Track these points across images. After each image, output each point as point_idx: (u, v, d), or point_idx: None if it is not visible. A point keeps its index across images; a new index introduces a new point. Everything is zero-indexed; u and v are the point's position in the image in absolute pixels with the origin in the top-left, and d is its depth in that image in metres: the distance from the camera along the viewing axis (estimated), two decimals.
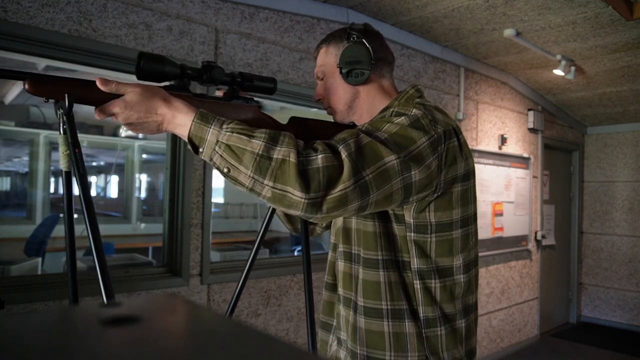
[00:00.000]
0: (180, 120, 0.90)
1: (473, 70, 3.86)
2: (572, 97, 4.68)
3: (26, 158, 5.61)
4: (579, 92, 4.50)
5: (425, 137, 0.98)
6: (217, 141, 0.88)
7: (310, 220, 0.96)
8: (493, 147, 4.13)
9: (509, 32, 3.13)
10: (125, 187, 6.08)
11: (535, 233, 4.68)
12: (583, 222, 5.58)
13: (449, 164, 1.01)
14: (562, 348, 4.60)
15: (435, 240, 1.05)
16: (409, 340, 1.05)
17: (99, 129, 5.61)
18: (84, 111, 4.46)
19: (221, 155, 0.88)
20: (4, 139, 5.32)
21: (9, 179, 7.07)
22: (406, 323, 1.05)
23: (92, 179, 8.34)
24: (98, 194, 7.87)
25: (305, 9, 2.70)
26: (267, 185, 0.87)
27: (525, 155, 4.51)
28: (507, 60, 3.81)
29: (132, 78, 0.98)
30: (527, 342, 4.56)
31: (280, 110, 3.54)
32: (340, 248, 1.17)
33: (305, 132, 1.10)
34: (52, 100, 0.87)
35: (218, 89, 1.13)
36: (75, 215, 0.97)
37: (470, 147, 1.23)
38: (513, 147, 4.37)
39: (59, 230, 4.41)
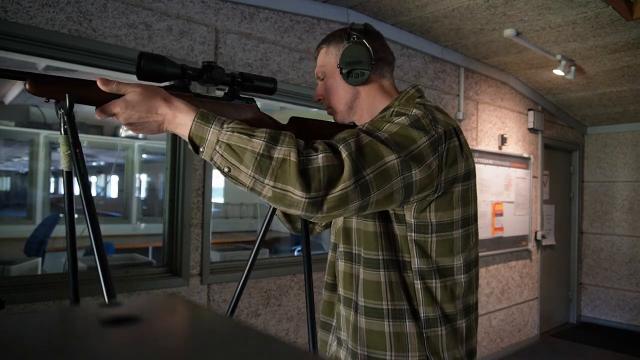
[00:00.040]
0: (181, 120, 0.90)
1: (473, 70, 3.86)
2: (572, 97, 4.68)
3: (26, 158, 5.61)
4: (579, 92, 4.50)
5: (425, 137, 0.98)
6: (218, 141, 0.88)
7: (311, 220, 0.96)
8: (493, 147, 4.13)
9: (509, 32, 3.13)
10: (125, 187, 6.08)
11: (535, 233, 4.68)
12: (583, 222, 5.58)
13: (450, 163, 1.01)
14: (562, 348, 4.60)
15: (436, 240, 1.05)
16: (410, 340, 1.05)
17: (99, 129, 5.61)
18: (84, 111, 4.46)
19: (222, 155, 0.88)
20: (4, 139, 5.32)
21: (9, 179, 7.07)
22: (407, 323, 1.05)
23: (92, 179, 8.34)
24: (98, 194, 7.87)
25: (305, 9, 2.70)
26: (268, 184, 0.87)
27: (525, 155, 4.51)
28: (507, 60, 3.81)
29: (132, 78, 0.98)
30: (527, 342, 4.56)
31: (280, 110, 3.54)
32: (341, 248, 1.17)
33: (305, 132, 1.10)
34: (53, 100, 0.87)
35: (218, 89, 1.13)
36: (76, 215, 0.97)
37: (470, 147, 1.23)
38: (513, 147, 4.38)
39: (59, 230, 4.41)
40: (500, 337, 4.21)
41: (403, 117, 1.00)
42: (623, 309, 5.24)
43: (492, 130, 4.14)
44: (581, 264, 5.55)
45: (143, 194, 6.71)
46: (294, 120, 1.14)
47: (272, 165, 0.86)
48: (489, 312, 4.08)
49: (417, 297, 1.06)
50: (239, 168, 0.87)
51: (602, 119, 5.25)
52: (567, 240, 5.46)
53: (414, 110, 1.02)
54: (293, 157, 0.86)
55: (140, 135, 5.61)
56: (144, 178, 6.96)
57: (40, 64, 2.58)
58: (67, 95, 0.85)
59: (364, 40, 1.11)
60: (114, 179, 7.33)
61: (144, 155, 6.22)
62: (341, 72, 1.12)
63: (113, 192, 7.51)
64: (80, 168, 0.86)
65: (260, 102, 1.20)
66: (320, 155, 0.88)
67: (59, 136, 0.88)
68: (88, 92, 0.88)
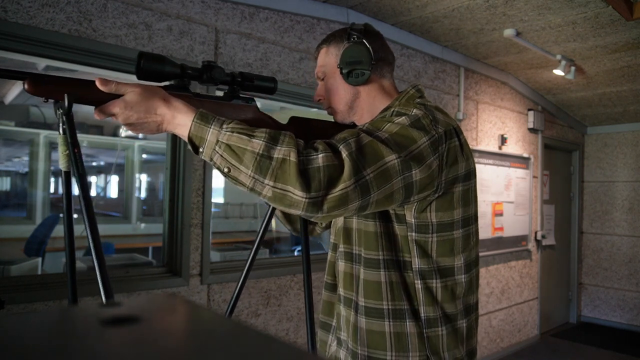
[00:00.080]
0: (180, 120, 0.90)
1: (473, 70, 3.86)
2: (572, 97, 4.68)
3: (26, 158, 5.61)
4: (579, 92, 4.50)
5: (426, 137, 0.98)
6: (217, 141, 0.88)
7: (311, 220, 0.96)
8: (493, 147, 4.13)
9: (509, 32, 3.13)
10: (125, 187, 6.08)
11: (535, 233, 4.68)
12: (583, 222, 5.58)
13: (450, 163, 1.01)
14: (562, 348, 4.60)
15: (437, 240, 1.05)
16: (410, 340, 1.05)
17: (99, 129, 5.61)
18: (84, 111, 4.47)
19: (221, 155, 0.88)
20: (4, 139, 5.32)
21: (9, 179, 7.08)
22: (407, 323, 1.05)
23: (92, 179, 8.34)
24: (98, 194, 7.87)
25: (305, 9, 2.70)
26: (268, 184, 0.87)
27: (525, 155, 4.51)
28: (507, 60, 3.81)
29: (132, 78, 0.98)
30: (527, 342, 4.56)
31: (280, 110, 3.54)
32: (341, 248, 1.17)
33: (305, 132, 1.10)
34: (52, 100, 0.87)
35: (218, 89, 1.13)
36: (75, 215, 0.97)
37: (470, 147, 1.23)
38: (513, 147, 4.38)
39: (59, 230, 4.41)
40: (500, 337, 4.21)
41: (403, 117, 1.00)
42: (623, 309, 5.24)
43: (492, 130, 4.14)
44: (581, 264, 5.55)
45: (143, 194, 6.72)
46: (294, 120, 1.14)
47: (272, 166, 0.86)
48: (489, 312, 4.08)
49: (417, 297, 1.06)
50: (238, 168, 0.87)
51: (602, 119, 5.25)
52: (567, 240, 5.46)
53: (414, 111, 1.02)
54: (293, 157, 0.86)
55: (140, 135, 5.61)
56: (144, 178, 6.96)
57: (40, 64, 2.58)
58: (65, 95, 0.85)
59: (364, 40, 1.11)
60: (114, 179, 7.33)
61: (144, 155, 6.23)
62: (341, 72, 1.12)
63: (113, 192, 7.51)
64: (78, 168, 0.86)
65: (260, 102, 1.20)
66: (320, 155, 0.88)
67: (58, 136, 0.88)
68: (87, 92, 0.88)
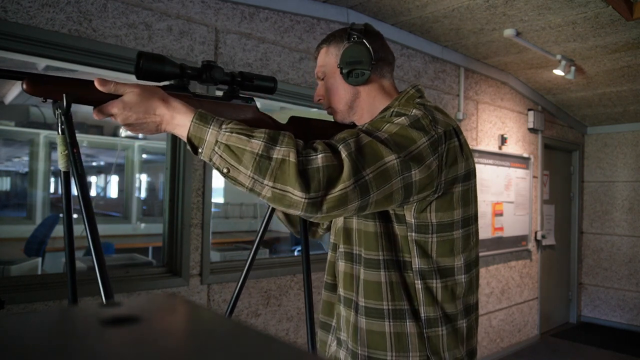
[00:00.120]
0: (179, 120, 0.90)
1: (473, 70, 3.86)
2: (572, 97, 4.68)
3: (26, 158, 5.61)
4: (579, 92, 4.50)
5: (425, 137, 0.97)
6: (217, 141, 0.88)
7: (311, 220, 0.96)
8: (493, 147, 4.13)
9: (509, 32, 3.13)
10: (125, 187, 6.08)
11: (535, 233, 4.68)
12: (583, 222, 5.58)
13: (450, 164, 1.01)
14: (562, 348, 4.60)
15: (436, 241, 1.05)
16: (410, 341, 1.05)
17: (98, 129, 5.61)
18: (84, 111, 4.47)
19: (220, 156, 0.88)
20: (4, 139, 5.32)
21: (9, 179, 7.08)
22: (407, 323, 1.05)
23: (92, 179, 8.34)
24: (98, 194, 7.87)
25: (305, 9, 2.70)
26: (267, 185, 0.86)
27: (525, 155, 4.51)
28: (507, 60, 3.81)
29: (132, 78, 0.98)
30: (527, 342, 4.56)
31: (280, 110, 3.54)
32: (341, 248, 1.17)
33: (305, 132, 1.10)
34: (51, 100, 0.87)
35: (218, 89, 1.13)
36: (75, 215, 0.97)
37: (470, 147, 1.23)
38: (513, 147, 4.38)
39: (59, 230, 4.41)
40: (500, 337, 4.21)
41: (403, 118, 1.00)
42: (623, 309, 5.24)
43: (492, 130, 4.14)
44: (581, 264, 5.55)
45: (143, 194, 6.72)
46: (293, 120, 1.14)
47: (271, 166, 0.86)
48: (489, 312, 4.08)
49: (417, 297, 1.06)
50: (238, 169, 0.87)
51: (602, 119, 5.25)
52: (567, 240, 5.46)
53: (414, 111, 1.02)
54: (292, 158, 0.86)
55: (140, 135, 5.62)
56: (144, 178, 6.96)
57: (40, 64, 2.58)
58: (64, 95, 0.85)
59: (364, 40, 1.11)
60: (114, 179, 7.33)
61: (144, 155, 6.23)
62: (341, 72, 1.12)
63: (113, 192, 7.51)
64: (77, 168, 0.86)
65: (260, 102, 1.20)
66: (319, 156, 0.88)
67: (56, 136, 0.88)
68: (86, 92, 0.88)
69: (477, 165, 3.75)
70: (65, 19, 1.91)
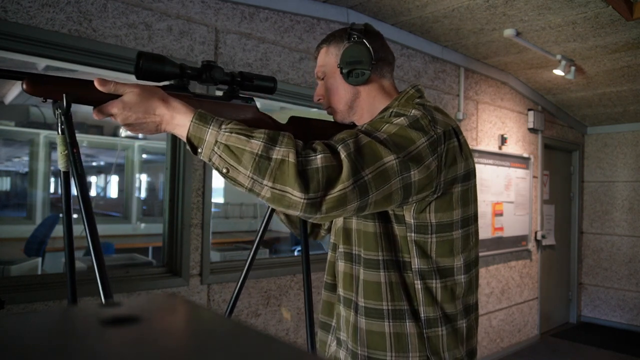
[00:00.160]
0: (179, 120, 0.90)
1: (473, 70, 3.86)
2: (572, 97, 4.68)
3: (26, 158, 5.61)
4: (579, 92, 4.50)
5: (424, 137, 0.97)
6: (216, 141, 0.88)
7: (310, 221, 0.96)
8: (493, 147, 4.13)
9: (509, 32, 3.13)
10: (125, 187, 6.08)
11: (535, 233, 4.68)
12: (583, 222, 5.58)
13: (449, 164, 1.01)
14: (562, 348, 4.60)
15: (436, 241, 1.05)
16: (410, 341, 1.05)
17: (98, 129, 5.61)
18: (84, 111, 4.47)
19: (220, 156, 0.88)
20: (4, 139, 5.32)
21: (9, 179, 7.07)
22: (407, 323, 1.05)
23: (92, 179, 8.35)
24: (98, 194, 7.87)
25: (305, 9, 2.70)
26: (267, 185, 0.86)
27: (525, 155, 4.51)
28: (507, 60, 3.81)
29: (132, 78, 0.98)
30: (527, 342, 4.56)
31: (280, 110, 3.54)
32: (341, 248, 1.17)
33: (305, 132, 1.10)
34: (51, 100, 0.87)
35: (218, 89, 1.13)
36: (75, 215, 0.97)
37: (470, 147, 1.23)
38: (513, 147, 4.38)
39: (59, 230, 4.41)
40: (500, 337, 4.21)
41: (402, 118, 1.00)
42: (623, 309, 5.24)
43: (492, 130, 4.14)
44: (581, 264, 5.55)
45: (143, 194, 6.72)
46: (293, 120, 1.14)
47: (270, 166, 0.86)
48: (489, 312, 4.08)
49: (417, 297, 1.06)
50: (237, 169, 0.87)
51: (602, 119, 5.25)
52: (567, 240, 5.46)
53: (413, 111, 1.02)
54: (292, 158, 0.86)
55: (140, 135, 5.62)
56: (144, 178, 6.96)
57: (40, 64, 2.58)
58: (64, 95, 0.85)
59: (364, 40, 1.11)
60: (114, 179, 7.33)
61: (144, 155, 6.23)
62: (341, 72, 1.12)
63: (113, 192, 7.51)
64: (77, 168, 0.86)
65: (260, 102, 1.20)
66: (319, 156, 0.88)
67: (56, 136, 0.88)
68: (86, 92, 0.88)
69: (477, 165, 3.75)
70: (65, 19, 1.91)
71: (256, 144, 0.86)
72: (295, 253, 4.99)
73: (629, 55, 3.47)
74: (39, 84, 0.84)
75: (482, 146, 3.99)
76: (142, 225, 5.91)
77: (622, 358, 4.33)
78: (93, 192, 7.95)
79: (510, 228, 4.30)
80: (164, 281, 2.19)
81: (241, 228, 6.09)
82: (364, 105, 1.15)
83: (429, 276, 1.06)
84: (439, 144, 0.99)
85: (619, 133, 5.35)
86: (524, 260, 4.53)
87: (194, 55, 2.29)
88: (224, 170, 0.88)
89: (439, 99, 3.60)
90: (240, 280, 1.29)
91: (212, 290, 2.34)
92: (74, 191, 0.87)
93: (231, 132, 0.88)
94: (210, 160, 0.89)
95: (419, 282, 1.06)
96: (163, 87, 0.96)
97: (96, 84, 0.87)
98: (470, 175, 1.08)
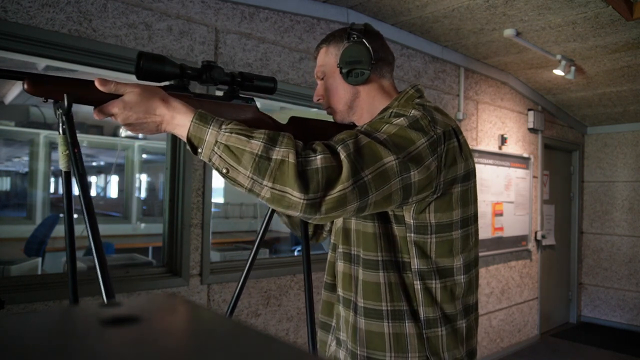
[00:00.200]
0: (179, 120, 0.90)
1: (473, 70, 3.86)
2: (572, 97, 4.68)
3: (26, 158, 5.61)
4: (579, 92, 4.50)
5: (424, 138, 0.97)
6: (216, 142, 0.88)
7: (309, 221, 0.96)
8: (493, 147, 4.13)
9: (509, 32, 3.13)
10: (125, 187, 6.08)
11: (535, 233, 4.68)
12: (583, 222, 5.58)
13: (449, 164, 1.01)
14: (562, 348, 4.60)
15: (435, 241, 1.05)
16: (409, 341, 1.05)
17: (98, 129, 5.62)
18: (84, 111, 4.47)
19: (220, 156, 0.88)
20: (4, 139, 5.32)
21: (9, 179, 7.07)
22: (406, 324, 1.05)
23: (92, 179, 8.34)
24: (98, 194, 7.87)
25: (305, 9, 2.70)
26: (266, 185, 0.86)
27: (525, 155, 4.51)
28: (507, 60, 3.81)
29: (132, 78, 0.98)
30: (527, 342, 4.56)
31: (280, 110, 3.54)
32: (340, 249, 1.17)
33: (305, 132, 1.10)
34: (51, 100, 0.87)
35: (218, 89, 1.13)
36: (75, 215, 0.97)
37: (470, 147, 1.23)
38: (513, 147, 4.38)
39: (59, 230, 4.41)
40: (500, 337, 4.21)
41: (402, 119, 1.00)
42: (623, 309, 5.24)
43: (492, 130, 4.14)
44: (581, 264, 5.55)
45: (143, 194, 6.72)
46: (293, 120, 1.14)
47: (270, 167, 0.86)
48: (489, 312, 4.08)
49: (416, 297, 1.06)
50: (237, 169, 0.87)
51: (602, 119, 5.25)
52: (567, 240, 5.46)
53: (413, 112, 1.02)
54: (291, 159, 0.86)
55: (140, 135, 5.62)
56: (144, 178, 6.96)
57: (40, 64, 2.58)
58: (65, 95, 0.85)
59: (363, 40, 1.11)
60: (114, 179, 7.33)
61: (144, 155, 6.23)
62: (341, 72, 1.12)
63: (113, 192, 7.51)
64: (78, 168, 0.86)
65: (260, 102, 1.20)
66: (318, 157, 0.88)
67: (57, 136, 0.88)
68: (86, 92, 0.88)
69: (477, 165, 3.75)
70: (65, 19, 1.91)
71: (256, 144, 0.86)
72: (295, 253, 4.99)
73: (629, 55, 3.47)
74: (40, 84, 0.84)
75: (482, 146, 3.99)
76: (142, 225, 5.91)
77: (622, 358, 4.33)
78: (93, 192, 7.95)
79: (510, 228, 4.30)
80: (164, 281, 2.19)
81: (241, 228, 6.09)
82: (363, 105, 1.15)
83: (428, 276, 1.06)
84: (438, 145, 0.99)
85: (619, 133, 5.35)
86: (524, 260, 4.53)
87: (194, 55, 2.29)
88: (224, 171, 0.88)
89: (439, 99, 3.60)
90: (241, 281, 1.29)
91: (212, 290, 2.34)
92: (75, 191, 0.87)
93: (231, 133, 0.88)
94: (210, 160, 0.89)
95: (418, 282, 1.06)
96: (163, 87, 0.96)
97: (97, 84, 0.87)
98: (470, 176, 1.08)
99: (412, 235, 1.05)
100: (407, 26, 3.14)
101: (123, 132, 5.61)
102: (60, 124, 0.87)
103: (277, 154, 0.86)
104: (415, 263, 1.05)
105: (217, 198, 6.22)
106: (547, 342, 4.73)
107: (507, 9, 2.81)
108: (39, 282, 1.93)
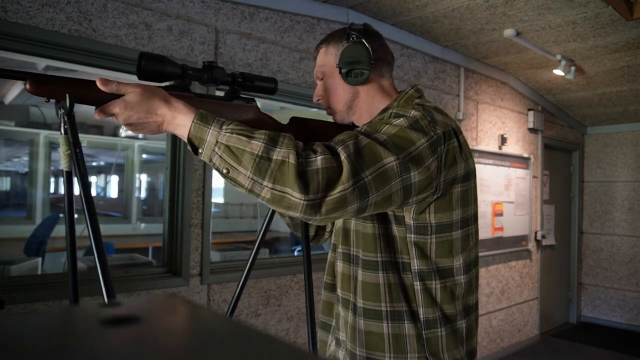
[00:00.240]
0: (180, 120, 0.90)
1: (473, 70, 3.86)
2: (572, 97, 4.68)
3: (26, 158, 5.61)
4: (579, 92, 4.50)
5: (424, 138, 0.97)
6: (217, 142, 0.88)
7: (309, 222, 0.96)
8: (493, 147, 4.13)
9: (509, 32, 3.13)
10: (125, 187, 6.08)
11: (535, 233, 4.68)
12: (583, 222, 5.58)
13: (449, 165, 1.01)
14: (562, 348, 4.60)
15: (435, 242, 1.05)
16: (409, 342, 1.05)
17: (99, 129, 5.62)
18: (84, 111, 4.46)
19: (220, 156, 0.88)
20: (4, 139, 5.32)
21: (9, 179, 7.07)
22: (406, 324, 1.05)
23: (92, 179, 8.34)
24: (98, 194, 7.87)
25: (305, 9, 2.70)
26: (267, 186, 0.86)
27: (525, 155, 4.51)
28: (507, 60, 3.81)
29: (133, 78, 0.98)
30: (527, 342, 4.56)
31: (280, 110, 3.54)
32: (340, 249, 1.16)
33: (305, 133, 1.10)
34: (53, 100, 0.87)
35: (219, 90, 1.13)
36: (76, 215, 0.97)
37: (470, 147, 1.23)
38: (513, 147, 4.38)
39: (59, 230, 4.41)
40: (500, 337, 4.21)
41: (401, 119, 1.00)
42: (623, 309, 5.24)
43: (492, 130, 4.14)
44: (581, 264, 5.55)
45: (143, 194, 6.72)
46: (294, 120, 1.14)
47: (270, 167, 0.86)
48: (489, 312, 4.08)
49: (416, 298, 1.06)
50: (237, 169, 0.87)
51: (602, 119, 5.25)
52: (567, 240, 5.46)
53: (412, 112, 1.02)
54: (292, 159, 0.86)
55: (140, 135, 5.62)
56: (144, 178, 6.96)
57: (40, 64, 2.58)
58: (67, 95, 0.85)
59: (363, 40, 1.11)
60: (114, 179, 7.33)
61: (144, 155, 6.23)
62: (340, 72, 1.12)
63: (113, 192, 7.51)
64: (80, 168, 0.86)
65: (260, 102, 1.20)
66: (319, 157, 0.88)
67: (59, 136, 0.88)
68: (88, 92, 0.88)
69: (477, 165, 3.74)
70: (65, 19, 1.91)
71: (256, 145, 0.86)
72: (295, 253, 4.99)
73: (629, 55, 3.47)
74: (42, 84, 0.84)
75: (482, 146, 3.99)
76: (142, 225, 5.91)
77: (622, 358, 4.33)
78: (93, 192, 7.94)
79: (510, 228, 4.30)
80: (164, 281, 2.19)
81: (241, 228, 6.09)
82: (363, 105, 1.15)
83: (428, 277, 1.06)
84: (438, 145, 0.99)
85: (619, 133, 5.35)
86: (524, 260, 4.53)
87: (194, 55, 2.29)
88: (224, 171, 0.88)
89: (439, 99, 3.60)
90: (242, 281, 1.29)
91: (212, 290, 2.34)
92: (76, 191, 0.87)
93: (232, 133, 0.88)
94: (210, 160, 0.89)
95: (418, 283, 1.05)
96: (164, 88, 0.96)
97: (98, 83, 0.87)
98: (470, 176, 1.08)
99: (412, 235, 1.05)
100: (407, 26, 3.14)
101: (123, 132, 5.61)
102: (62, 124, 0.87)
103: (278, 154, 0.86)
104: (415, 264, 1.05)
105: (217, 198, 6.22)
106: (547, 342, 4.73)
107: (507, 9, 2.81)
108: (39, 282, 1.93)
